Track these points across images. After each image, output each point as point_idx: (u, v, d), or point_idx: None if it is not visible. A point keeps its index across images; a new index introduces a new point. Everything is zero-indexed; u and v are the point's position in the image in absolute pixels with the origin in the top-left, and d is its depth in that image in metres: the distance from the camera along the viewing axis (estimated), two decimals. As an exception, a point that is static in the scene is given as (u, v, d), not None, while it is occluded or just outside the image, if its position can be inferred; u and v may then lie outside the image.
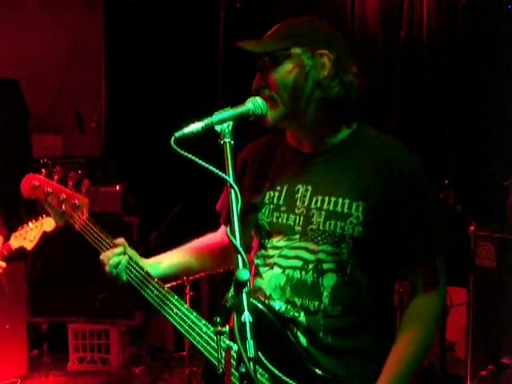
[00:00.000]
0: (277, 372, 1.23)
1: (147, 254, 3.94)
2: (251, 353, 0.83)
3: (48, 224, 2.46)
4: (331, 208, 1.26)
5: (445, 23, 3.62)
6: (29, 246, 2.43)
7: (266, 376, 1.24)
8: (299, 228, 1.29)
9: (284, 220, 1.32)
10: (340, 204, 1.25)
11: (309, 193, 1.30)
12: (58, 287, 4.00)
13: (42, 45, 4.49)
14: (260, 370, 1.20)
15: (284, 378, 1.23)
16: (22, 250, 2.42)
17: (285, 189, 1.34)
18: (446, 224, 1.32)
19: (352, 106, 1.28)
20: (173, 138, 1.16)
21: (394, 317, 1.31)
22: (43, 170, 1.42)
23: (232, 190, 1.06)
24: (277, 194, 1.35)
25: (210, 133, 1.19)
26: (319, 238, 1.26)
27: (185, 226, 3.32)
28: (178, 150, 1.13)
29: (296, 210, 1.31)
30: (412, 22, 3.69)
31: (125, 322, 4.05)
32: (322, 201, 1.28)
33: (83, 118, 4.61)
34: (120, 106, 4.66)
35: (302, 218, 1.29)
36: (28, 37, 4.41)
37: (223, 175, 1.08)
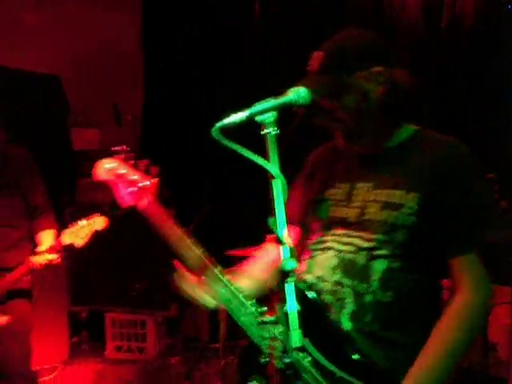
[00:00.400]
0: (318, 355, 1.22)
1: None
2: (296, 343, 0.83)
3: (99, 223, 2.47)
4: (386, 199, 1.30)
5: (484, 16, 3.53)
6: (80, 243, 2.43)
7: (309, 359, 1.22)
8: (355, 219, 1.34)
9: (342, 213, 1.37)
10: (395, 195, 1.29)
11: (368, 189, 1.35)
12: (97, 277, 4.11)
13: (82, 41, 4.59)
14: (302, 354, 1.19)
15: (324, 362, 1.23)
16: (71, 246, 2.43)
17: (345, 186, 1.40)
18: (493, 222, 1.32)
19: (406, 110, 1.35)
20: (214, 128, 1.15)
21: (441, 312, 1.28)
22: (118, 156, 1.47)
23: (276, 181, 1.06)
24: (338, 190, 1.41)
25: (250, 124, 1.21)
26: (373, 227, 1.29)
27: (212, 227, 3.36)
28: (221, 139, 1.12)
29: (354, 204, 1.36)
30: (454, 14, 3.59)
31: (161, 312, 4.12)
32: (379, 194, 1.33)
33: (120, 112, 4.70)
34: (156, 100, 4.72)
35: (358, 211, 1.34)
36: (68, 33, 4.51)
37: (266, 164, 1.07)
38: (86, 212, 4.09)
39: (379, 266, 1.26)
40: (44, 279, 3.56)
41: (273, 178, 1.05)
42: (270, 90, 1.31)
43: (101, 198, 4.12)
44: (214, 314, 4.12)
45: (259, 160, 1.07)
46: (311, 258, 1.41)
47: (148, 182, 1.42)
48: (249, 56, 4.32)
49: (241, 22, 4.35)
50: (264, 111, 1.18)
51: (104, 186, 4.31)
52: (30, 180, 2.59)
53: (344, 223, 1.35)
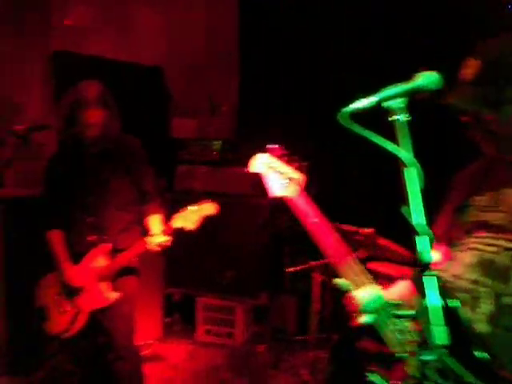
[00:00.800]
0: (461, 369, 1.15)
1: (276, 236, 4.02)
2: (441, 339, 0.78)
3: (209, 208, 2.55)
4: None
5: None
6: (190, 226, 2.51)
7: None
8: (501, 222, 1.28)
9: (486, 217, 1.32)
10: None
11: None
12: (191, 261, 4.24)
13: (180, 33, 4.75)
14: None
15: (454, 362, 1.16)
16: (181, 230, 2.53)
17: (491, 193, 1.35)
18: None
19: None
20: (341, 113, 1.13)
21: None
22: (272, 151, 1.66)
23: (409, 169, 1.01)
24: (483, 197, 1.37)
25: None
26: None
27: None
28: (348, 124, 1.10)
29: (499, 208, 1.30)
30: None
31: (250, 300, 4.18)
32: None
33: (216, 102, 4.80)
34: (251, 91, 4.76)
35: (504, 215, 1.28)
36: (169, 27, 4.68)
37: (398, 151, 1.03)
38: (182, 198, 4.28)
39: None
40: (144, 260, 3.77)
41: (404, 166, 1.01)
42: (376, 79, 1.26)
43: (197, 185, 4.27)
44: (302, 306, 4.12)
45: (391, 146, 1.03)
46: (451, 257, 1.38)
47: (298, 176, 1.57)
48: (349, 41, 4.20)
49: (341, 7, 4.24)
50: (392, 97, 1.14)
51: (199, 175, 4.45)
52: (142, 168, 2.72)
53: (488, 226, 1.31)
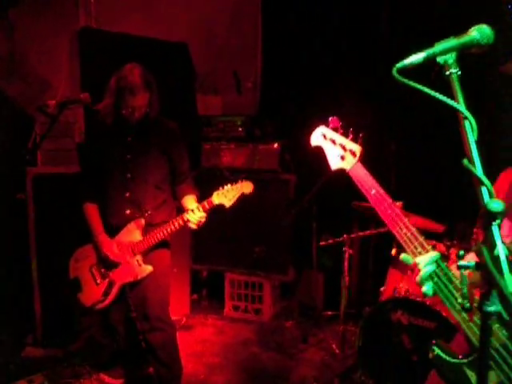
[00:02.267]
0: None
1: (302, 211, 3.99)
2: (509, 288, 0.76)
3: (247, 187, 2.62)
4: None
5: None
6: (227, 203, 2.59)
7: (504, 332, 1.15)
8: None
9: None
10: None
11: None
12: (218, 238, 4.28)
13: (206, 10, 4.69)
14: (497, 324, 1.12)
15: None
16: (220, 206, 2.60)
17: None
18: None
19: None
20: (395, 68, 1.10)
21: None
22: (330, 124, 1.67)
23: (466, 121, 0.98)
24: None
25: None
26: None
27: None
28: (402, 79, 1.07)
29: None
30: None
31: (278, 276, 4.20)
32: None
33: (240, 79, 4.77)
34: (275, 67, 4.72)
35: None
36: (193, 3, 4.64)
37: (455, 104, 1.00)
38: (209, 175, 4.29)
39: None
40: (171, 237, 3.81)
41: (464, 118, 0.98)
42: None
43: (223, 162, 4.27)
44: (329, 282, 4.13)
45: (448, 100, 1.00)
46: None
47: (355, 147, 1.59)
48: (373, 19, 4.12)
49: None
50: (445, 51, 1.11)
51: (225, 152, 4.44)
52: (179, 150, 2.79)
53: None
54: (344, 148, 1.60)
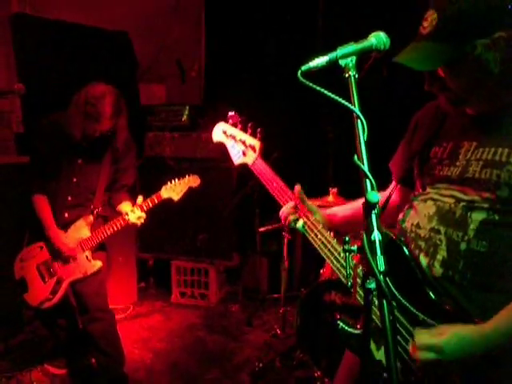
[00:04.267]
0: (403, 300, 1.29)
1: (245, 198, 4.10)
2: (382, 267, 0.89)
3: (194, 181, 2.76)
4: (489, 157, 1.28)
5: None
6: (176, 197, 2.72)
7: (394, 304, 1.30)
8: (458, 177, 1.33)
9: (444, 172, 1.37)
10: (499, 153, 1.26)
11: (472, 148, 1.33)
12: (163, 227, 4.32)
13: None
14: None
15: (411, 307, 1.29)
16: (169, 200, 2.72)
17: (450, 145, 1.39)
18: None
19: None
20: (299, 71, 1.20)
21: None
22: (230, 119, 1.74)
23: (358, 121, 1.10)
24: (441, 149, 1.41)
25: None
26: (475, 186, 1.28)
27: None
28: (306, 82, 1.17)
29: (457, 163, 1.35)
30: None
31: (223, 262, 4.31)
32: (483, 152, 1.30)
33: (184, 68, 4.78)
34: (219, 56, 4.76)
35: (460, 169, 1.33)
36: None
37: (349, 105, 1.11)
38: (153, 165, 4.31)
39: (477, 216, 1.26)
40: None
41: (357, 118, 1.10)
42: (336, 41, 1.32)
43: (167, 152, 4.30)
44: (273, 266, 4.27)
45: (344, 102, 1.11)
46: (410, 207, 1.46)
47: (255, 142, 1.64)
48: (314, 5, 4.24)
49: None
50: (346, 55, 1.21)
51: (169, 141, 4.48)
52: (129, 164, 2.87)
53: (447, 180, 1.36)
54: (244, 144, 1.67)
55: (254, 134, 1.68)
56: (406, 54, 1.29)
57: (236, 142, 1.69)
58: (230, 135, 1.71)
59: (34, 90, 3.73)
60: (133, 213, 2.67)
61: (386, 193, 1.65)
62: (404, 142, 1.59)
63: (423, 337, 1.21)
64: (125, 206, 2.78)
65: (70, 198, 2.73)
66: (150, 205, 2.70)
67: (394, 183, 1.64)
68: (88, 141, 2.65)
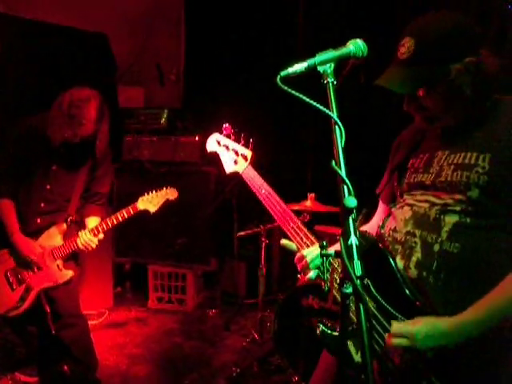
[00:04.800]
0: (382, 301, 1.33)
1: (223, 203, 4.08)
2: (358, 272, 0.90)
3: (172, 193, 2.70)
4: (460, 161, 1.35)
5: None
6: (152, 209, 2.66)
7: (373, 304, 1.34)
8: (431, 182, 1.40)
9: (419, 178, 1.44)
10: (468, 157, 1.33)
11: (445, 155, 1.40)
12: (140, 231, 4.27)
13: (127, 2, 4.64)
14: (367, 298, 1.28)
15: (389, 307, 1.33)
16: (145, 211, 2.67)
17: (426, 156, 1.46)
18: None
19: (492, 88, 1.35)
20: (278, 76, 1.20)
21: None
22: (224, 131, 1.81)
23: (336, 127, 1.11)
24: (418, 160, 1.48)
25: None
26: (448, 189, 1.34)
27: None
28: (285, 87, 1.17)
29: (431, 170, 1.41)
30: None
31: (200, 266, 4.29)
32: (454, 157, 1.37)
33: (163, 72, 4.76)
34: (198, 60, 4.76)
35: (434, 175, 1.40)
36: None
37: (327, 111, 1.12)
38: (131, 168, 4.26)
39: (450, 219, 1.31)
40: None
41: (335, 124, 1.11)
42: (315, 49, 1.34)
43: (145, 155, 4.26)
44: (251, 270, 4.27)
45: (322, 108, 1.12)
46: (389, 215, 1.52)
47: (246, 152, 1.72)
48: (294, 8, 4.27)
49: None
50: (324, 62, 1.22)
51: (147, 144, 4.45)
52: (104, 173, 2.80)
53: (422, 186, 1.42)
54: (236, 153, 1.75)
55: (246, 145, 1.76)
56: (386, 78, 1.37)
57: (228, 151, 1.77)
58: (224, 145, 1.79)
59: (7, 90, 3.68)
60: (84, 235, 2.59)
61: (377, 219, 1.70)
62: (388, 167, 1.65)
63: (398, 325, 1.27)
64: (91, 221, 2.71)
65: (42, 205, 2.67)
66: (126, 216, 2.62)
67: (383, 206, 1.69)
68: (66, 146, 2.59)
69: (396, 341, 1.25)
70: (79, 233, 2.61)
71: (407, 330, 1.25)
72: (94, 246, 2.61)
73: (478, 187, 1.28)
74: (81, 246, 2.58)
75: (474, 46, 1.30)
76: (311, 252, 1.48)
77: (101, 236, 2.63)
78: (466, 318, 1.24)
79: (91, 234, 2.60)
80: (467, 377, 1.28)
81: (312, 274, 1.43)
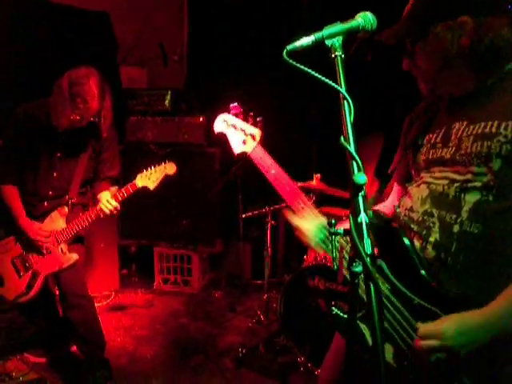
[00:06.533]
0: (396, 282, 1.29)
1: (228, 184, 4.06)
2: (368, 250, 0.87)
3: (170, 168, 2.64)
4: (480, 131, 1.27)
5: None
6: (151, 186, 2.61)
7: (387, 286, 1.30)
8: (450, 156, 1.34)
9: (438, 154, 1.38)
10: (489, 126, 1.26)
11: (463, 126, 1.34)
12: (145, 213, 4.27)
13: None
14: (381, 279, 1.26)
15: (403, 289, 1.29)
16: (144, 188, 2.62)
17: (443, 129, 1.40)
18: None
19: (501, 57, 1.29)
20: (284, 51, 1.16)
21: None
22: (231, 109, 1.75)
23: (345, 101, 1.07)
24: (435, 135, 1.42)
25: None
26: (467, 161, 1.28)
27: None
28: (291, 61, 1.13)
29: (450, 144, 1.35)
30: None
31: (206, 248, 4.28)
32: (473, 128, 1.30)
33: (166, 52, 4.69)
34: (201, 40, 4.69)
35: (453, 148, 1.34)
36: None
37: (336, 86, 1.08)
38: (134, 150, 4.23)
39: (471, 198, 1.26)
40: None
41: (344, 98, 1.07)
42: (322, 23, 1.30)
43: (149, 136, 4.23)
44: (256, 252, 4.27)
45: (330, 82, 1.08)
46: (406, 193, 1.47)
47: (255, 131, 1.68)
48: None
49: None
50: (332, 35, 1.18)
51: (151, 125, 4.39)
52: (112, 151, 2.77)
53: (441, 162, 1.37)
54: (245, 132, 1.69)
55: (254, 124, 1.71)
56: (383, 33, 1.35)
57: (236, 130, 1.71)
58: (231, 125, 1.73)
59: (8, 71, 3.63)
60: (108, 203, 2.59)
61: (391, 199, 1.67)
62: (400, 145, 1.60)
63: (425, 327, 1.21)
64: (104, 195, 2.70)
65: (51, 193, 2.67)
66: (125, 195, 2.60)
67: (396, 186, 1.66)
68: (69, 132, 2.56)
69: (426, 343, 1.19)
70: (100, 202, 2.60)
71: (435, 329, 1.19)
72: (116, 211, 2.62)
73: (500, 157, 1.21)
74: (107, 211, 2.58)
75: (472, 8, 1.26)
76: (311, 226, 1.47)
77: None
78: (498, 308, 1.17)
79: (113, 200, 2.60)
80: (503, 376, 1.21)
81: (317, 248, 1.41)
